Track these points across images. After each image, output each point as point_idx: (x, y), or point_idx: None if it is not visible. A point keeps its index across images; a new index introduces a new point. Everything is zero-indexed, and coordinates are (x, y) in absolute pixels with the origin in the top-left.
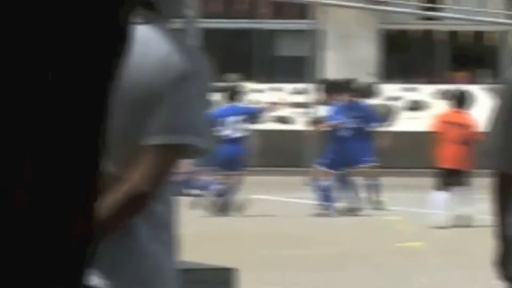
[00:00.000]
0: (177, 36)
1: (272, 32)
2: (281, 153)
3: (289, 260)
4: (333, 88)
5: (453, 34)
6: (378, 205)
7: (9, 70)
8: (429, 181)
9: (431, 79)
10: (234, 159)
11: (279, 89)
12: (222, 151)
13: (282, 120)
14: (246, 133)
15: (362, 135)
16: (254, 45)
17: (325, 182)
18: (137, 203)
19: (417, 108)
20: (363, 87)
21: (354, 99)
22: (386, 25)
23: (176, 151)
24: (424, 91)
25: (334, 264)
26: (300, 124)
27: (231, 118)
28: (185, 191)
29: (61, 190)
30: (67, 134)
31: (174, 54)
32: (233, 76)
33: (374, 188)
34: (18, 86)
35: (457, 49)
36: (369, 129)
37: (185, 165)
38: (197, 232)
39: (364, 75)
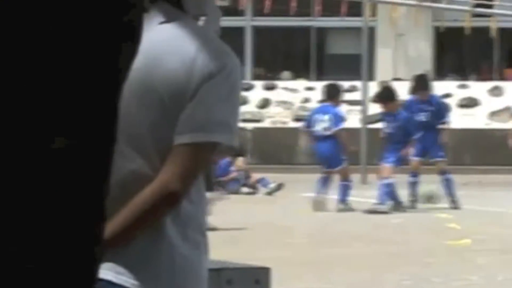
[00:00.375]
0: (204, 33)
1: (325, 29)
2: None
3: (339, 258)
4: (388, 94)
5: (505, 31)
6: (454, 203)
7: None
8: (479, 178)
9: (483, 76)
10: (326, 156)
11: None
12: (317, 148)
13: None
14: (330, 132)
15: (432, 130)
16: (307, 43)
17: (389, 180)
18: (168, 201)
19: (469, 105)
20: None
21: (429, 94)
22: (438, 22)
23: (205, 150)
24: (476, 88)
25: (385, 262)
26: (353, 122)
27: (321, 117)
28: (237, 188)
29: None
30: (73, 135)
31: (201, 53)
32: (286, 74)
33: (447, 184)
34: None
35: (509, 46)
36: (438, 124)
37: (239, 163)
38: (253, 228)
39: (417, 73)
